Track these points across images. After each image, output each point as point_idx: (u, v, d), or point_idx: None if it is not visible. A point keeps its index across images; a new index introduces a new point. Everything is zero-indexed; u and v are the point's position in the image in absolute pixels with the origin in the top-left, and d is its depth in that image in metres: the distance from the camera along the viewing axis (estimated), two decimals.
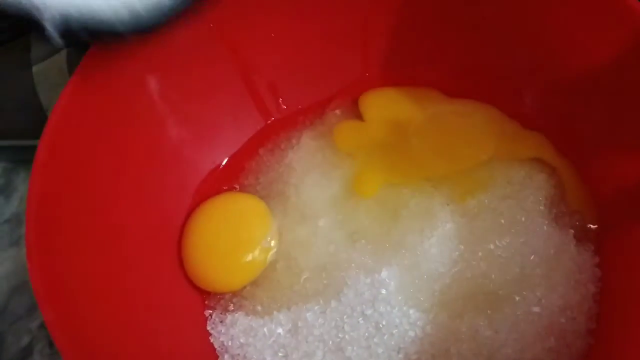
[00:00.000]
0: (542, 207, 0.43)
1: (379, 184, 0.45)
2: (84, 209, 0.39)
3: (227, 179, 0.47)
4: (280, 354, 0.41)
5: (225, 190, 0.47)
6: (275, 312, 0.42)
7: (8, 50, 0.58)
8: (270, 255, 0.44)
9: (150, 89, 0.42)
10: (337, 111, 0.49)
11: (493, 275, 0.41)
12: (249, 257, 0.43)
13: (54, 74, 0.56)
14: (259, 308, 0.43)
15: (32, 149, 0.53)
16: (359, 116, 0.49)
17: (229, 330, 0.42)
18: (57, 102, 0.37)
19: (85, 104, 0.39)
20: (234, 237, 0.44)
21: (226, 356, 0.42)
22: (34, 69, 0.57)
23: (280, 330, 0.42)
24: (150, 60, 0.41)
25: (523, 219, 0.42)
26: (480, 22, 0.45)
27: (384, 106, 0.49)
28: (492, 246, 0.42)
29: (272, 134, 0.49)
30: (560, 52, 0.43)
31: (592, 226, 0.43)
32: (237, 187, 0.47)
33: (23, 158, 0.54)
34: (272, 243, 0.44)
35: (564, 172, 0.45)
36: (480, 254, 0.42)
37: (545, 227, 0.42)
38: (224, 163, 0.48)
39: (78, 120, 0.38)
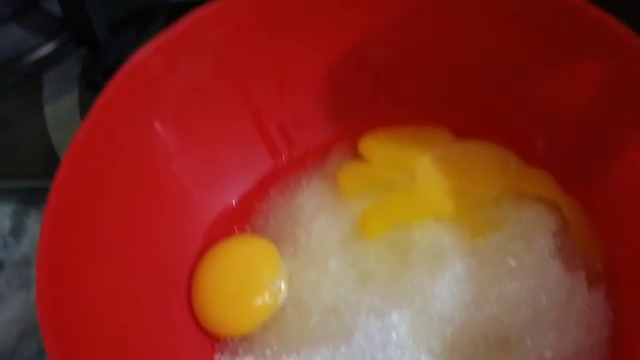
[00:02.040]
0: (552, 248, 0.43)
1: (385, 225, 0.45)
2: (94, 253, 0.39)
3: (238, 220, 0.48)
4: None
5: (236, 231, 0.47)
6: (284, 356, 0.42)
7: (21, 91, 0.58)
8: (280, 298, 0.43)
9: (159, 132, 0.43)
10: (345, 151, 0.49)
11: (505, 319, 0.41)
12: (259, 301, 0.43)
13: (65, 115, 0.57)
14: (268, 352, 0.43)
15: (44, 190, 0.53)
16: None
17: None
18: (69, 146, 0.37)
19: (96, 149, 0.39)
20: (244, 280, 0.44)
21: None
22: (46, 109, 0.57)
23: None
24: (160, 104, 0.42)
25: (534, 260, 0.42)
26: (488, 63, 0.45)
27: (389, 147, 0.49)
28: (503, 288, 0.41)
29: (282, 174, 0.49)
30: (565, 93, 0.44)
31: (601, 267, 0.42)
32: (248, 228, 0.47)
33: (34, 199, 0.54)
34: (282, 286, 0.44)
35: (570, 210, 0.45)
36: (491, 296, 0.41)
37: (556, 268, 0.42)
38: (234, 204, 0.48)
39: (89, 165, 0.39)
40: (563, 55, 0.42)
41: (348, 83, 0.48)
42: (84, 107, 0.57)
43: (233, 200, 0.48)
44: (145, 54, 0.41)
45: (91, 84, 0.59)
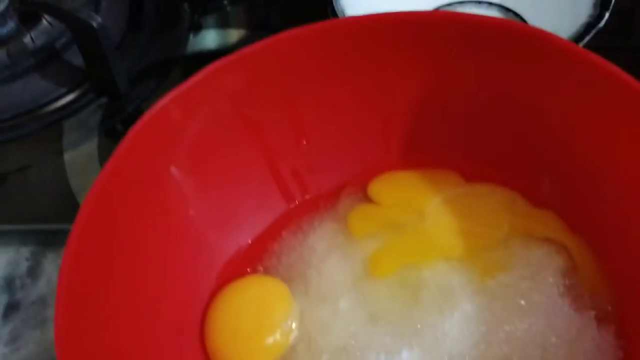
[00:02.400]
0: (561, 288, 0.43)
1: (395, 264, 0.46)
2: (110, 294, 0.40)
3: (251, 261, 0.48)
4: None
5: (249, 272, 0.48)
6: None
7: (41, 138, 0.60)
8: (291, 337, 0.44)
9: (176, 177, 0.44)
10: (357, 194, 0.50)
11: (514, 358, 0.41)
12: (270, 340, 0.44)
13: (85, 162, 0.59)
14: None
15: (62, 233, 0.55)
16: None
17: None
18: (89, 191, 0.38)
19: (115, 194, 0.40)
20: (256, 320, 0.44)
21: None
22: (66, 156, 0.59)
23: None
24: (177, 151, 0.44)
25: (543, 300, 0.43)
26: (500, 110, 0.47)
27: (399, 189, 0.51)
28: (512, 327, 0.42)
29: (295, 216, 0.50)
30: (576, 139, 0.45)
31: (610, 307, 0.43)
32: (261, 268, 0.48)
33: (52, 241, 0.56)
34: (293, 325, 0.44)
35: (577, 251, 0.45)
36: (501, 335, 0.42)
37: (565, 308, 0.42)
38: (248, 245, 0.49)
39: (108, 209, 0.40)
40: (577, 105, 0.44)
41: (360, 130, 0.49)
42: (103, 154, 0.59)
43: (246, 242, 0.49)
44: (164, 103, 0.42)
45: (111, 132, 0.61)
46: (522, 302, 0.43)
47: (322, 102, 0.48)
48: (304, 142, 0.49)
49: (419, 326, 0.43)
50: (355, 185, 0.50)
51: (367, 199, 0.50)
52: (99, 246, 0.39)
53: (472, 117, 0.48)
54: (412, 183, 0.50)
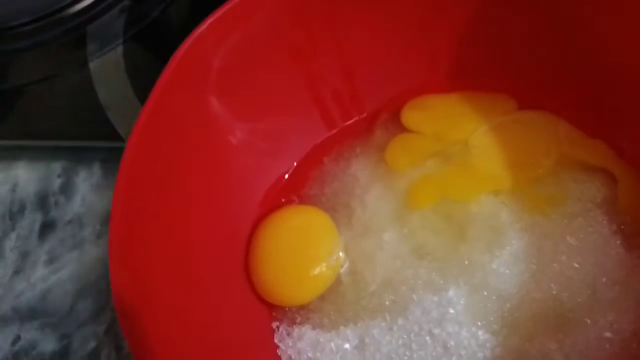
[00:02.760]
0: (613, 226, 0.42)
1: (432, 197, 0.45)
2: (159, 223, 0.40)
3: (293, 189, 0.48)
4: None
5: (292, 201, 0.47)
6: (342, 327, 0.42)
7: (63, 45, 0.58)
8: (339, 269, 0.44)
9: (215, 107, 0.43)
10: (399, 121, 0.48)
11: (564, 297, 0.41)
12: (317, 271, 0.43)
13: (111, 71, 0.56)
14: (326, 321, 0.43)
15: (93, 149, 0.54)
16: None
17: (296, 343, 0.43)
18: (133, 128, 0.37)
19: (157, 127, 0.39)
20: (302, 251, 0.44)
21: None
22: (91, 65, 0.56)
23: (347, 346, 0.42)
24: (216, 79, 0.42)
25: (594, 238, 0.42)
26: (553, 34, 0.44)
27: (439, 116, 0.49)
28: (562, 266, 0.41)
29: (336, 142, 0.49)
30: (633, 67, 0.42)
31: None
32: (303, 197, 0.47)
33: (83, 157, 0.54)
34: (340, 258, 0.44)
35: (629, 182, 0.44)
36: (550, 274, 0.41)
37: (616, 247, 0.42)
38: (289, 172, 0.48)
39: (153, 141, 0.39)
40: (633, 29, 0.41)
41: (405, 51, 0.47)
42: (129, 62, 0.57)
43: (288, 168, 0.48)
44: (200, 31, 0.40)
45: (136, 38, 0.58)
46: (573, 240, 0.42)
47: (366, 21, 0.45)
48: (346, 63, 0.47)
49: (466, 263, 0.42)
50: (400, 112, 0.48)
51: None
52: (147, 177, 0.39)
53: (524, 39, 0.46)
54: (454, 109, 0.48)
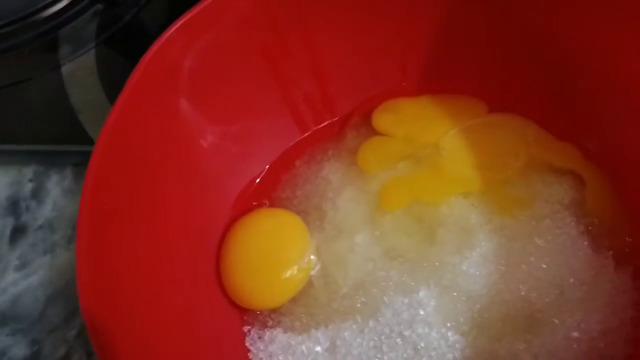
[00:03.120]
0: (581, 228, 0.43)
1: (404, 199, 0.45)
2: (128, 223, 0.40)
3: (265, 192, 0.48)
4: None
5: (263, 204, 0.47)
6: (313, 330, 0.43)
7: (36, 49, 0.57)
8: (311, 272, 0.44)
9: (186, 110, 0.43)
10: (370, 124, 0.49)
11: (532, 298, 0.41)
12: (288, 275, 0.43)
13: (83, 74, 0.56)
14: (297, 324, 0.43)
15: (64, 153, 0.53)
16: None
17: (268, 347, 0.43)
18: (102, 129, 0.37)
19: (127, 127, 0.39)
20: (273, 254, 0.44)
21: None
22: (63, 69, 0.56)
23: (318, 349, 0.42)
24: (185, 84, 0.42)
25: (562, 239, 0.42)
26: (523, 38, 0.45)
27: (409, 119, 0.49)
28: (531, 267, 0.42)
29: (309, 145, 0.49)
30: (603, 72, 0.43)
31: (628, 248, 0.43)
32: (275, 200, 0.47)
33: (55, 162, 0.54)
34: (312, 260, 0.44)
35: (596, 185, 0.45)
36: (519, 275, 0.42)
37: (584, 248, 0.42)
38: (261, 175, 0.48)
39: (121, 143, 0.39)
40: (604, 34, 0.42)
41: (377, 54, 0.47)
42: (102, 66, 0.56)
43: (260, 171, 0.48)
44: (169, 34, 0.40)
45: (108, 42, 0.58)
46: (541, 241, 0.42)
47: (337, 23, 0.45)
48: (318, 66, 0.47)
49: (436, 265, 0.43)
50: (371, 115, 0.48)
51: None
52: (115, 180, 0.39)
53: (494, 44, 0.46)
54: (424, 112, 0.49)
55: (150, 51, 0.39)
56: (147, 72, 0.39)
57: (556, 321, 0.40)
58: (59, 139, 0.54)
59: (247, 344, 0.44)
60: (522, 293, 0.41)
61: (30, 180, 0.54)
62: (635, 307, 0.41)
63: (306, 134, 0.49)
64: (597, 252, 0.42)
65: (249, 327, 0.44)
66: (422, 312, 0.41)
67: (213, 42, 0.42)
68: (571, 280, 0.41)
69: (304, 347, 0.42)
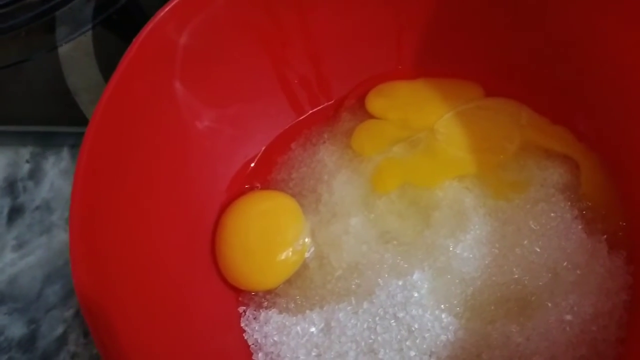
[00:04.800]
0: (575, 212, 0.43)
1: (396, 181, 0.45)
2: (123, 205, 0.40)
3: (260, 174, 0.48)
4: (313, 354, 0.42)
5: (258, 186, 0.47)
6: (308, 311, 0.43)
7: (33, 30, 0.57)
8: (306, 254, 0.44)
9: (180, 92, 0.42)
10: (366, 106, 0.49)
11: (525, 281, 0.41)
12: (283, 257, 0.44)
13: (80, 56, 0.56)
14: (292, 306, 0.44)
15: (61, 134, 0.53)
16: None
17: (263, 327, 0.43)
18: (94, 111, 0.37)
19: (121, 109, 0.39)
20: (269, 237, 0.44)
21: (260, 354, 0.43)
22: (60, 51, 0.56)
23: (313, 329, 0.42)
24: (178, 66, 0.42)
25: (556, 223, 0.42)
26: (520, 21, 0.45)
27: (403, 102, 0.49)
28: (524, 251, 0.42)
29: (304, 128, 0.49)
30: (598, 54, 0.43)
31: (622, 232, 0.43)
32: (270, 183, 0.47)
33: (52, 142, 0.54)
34: (307, 242, 0.44)
35: (590, 168, 0.45)
36: (512, 258, 0.42)
37: (578, 232, 0.42)
38: (256, 158, 0.48)
39: (115, 124, 0.39)
40: (596, 16, 0.42)
41: (373, 36, 0.47)
42: (99, 47, 0.56)
43: (255, 154, 0.48)
44: (160, 17, 0.40)
45: (105, 24, 0.57)
46: (535, 225, 0.42)
47: (333, 4, 0.45)
48: (313, 47, 0.47)
49: (430, 247, 0.43)
50: (364, 98, 0.48)
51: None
52: (109, 160, 0.38)
53: (489, 27, 0.46)
54: (419, 95, 0.49)
55: (145, 30, 0.39)
56: (141, 51, 0.39)
57: (549, 304, 0.40)
58: (56, 120, 0.54)
59: (242, 325, 0.44)
60: (516, 276, 0.41)
61: (27, 161, 0.54)
62: (628, 290, 0.41)
63: (302, 117, 0.49)
64: (591, 236, 0.42)
65: (244, 307, 0.44)
66: (416, 294, 0.41)
67: (208, 22, 0.42)
68: (565, 263, 0.41)
69: (298, 328, 0.42)
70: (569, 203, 0.43)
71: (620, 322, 0.40)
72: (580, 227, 0.42)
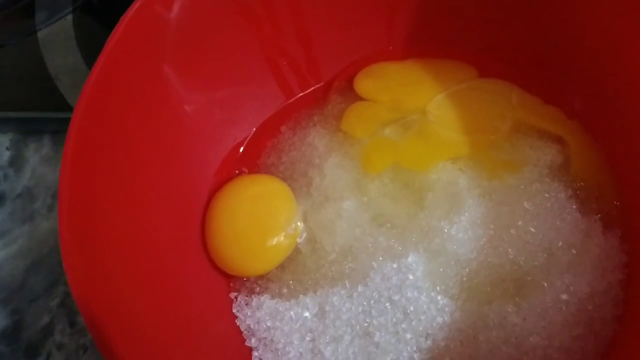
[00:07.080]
0: (569, 191, 0.43)
1: (388, 160, 0.45)
2: (111, 191, 0.39)
3: (249, 158, 0.47)
4: (307, 339, 0.41)
5: (248, 170, 0.46)
6: (301, 296, 0.42)
7: (10, 16, 0.56)
8: (298, 239, 0.43)
9: (168, 75, 0.41)
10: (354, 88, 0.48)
11: (521, 261, 0.41)
12: (275, 242, 0.43)
13: (60, 40, 0.54)
14: (285, 291, 0.43)
15: (42, 120, 0.52)
16: None
17: (255, 313, 0.42)
18: (80, 95, 0.36)
19: (108, 92, 0.38)
20: (260, 221, 0.44)
21: (253, 340, 0.42)
22: (39, 35, 0.55)
23: (307, 314, 0.42)
24: (166, 48, 0.41)
25: (550, 204, 0.42)
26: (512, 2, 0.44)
27: (393, 83, 0.48)
28: (519, 231, 0.42)
29: (294, 111, 0.48)
30: (588, 34, 0.43)
31: (616, 211, 0.43)
32: (260, 166, 0.47)
33: (32, 129, 0.53)
34: (299, 227, 0.43)
35: (582, 147, 0.44)
36: (507, 239, 0.42)
37: (572, 212, 0.42)
38: (246, 141, 0.47)
39: (102, 108, 0.38)
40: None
41: (363, 17, 0.47)
42: (79, 32, 0.55)
43: (244, 137, 0.47)
44: None
45: (85, 7, 0.56)
46: (530, 205, 0.42)
47: None
48: (303, 27, 0.46)
49: (425, 229, 0.42)
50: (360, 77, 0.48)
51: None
52: (97, 144, 0.37)
53: (483, 7, 0.46)
54: (410, 76, 0.48)
55: (132, 8, 0.38)
56: (128, 31, 0.38)
57: (545, 284, 0.40)
58: (37, 105, 0.53)
59: (234, 311, 0.43)
60: (511, 257, 0.41)
61: (8, 149, 0.53)
62: (623, 269, 0.41)
63: (291, 100, 0.48)
64: (586, 215, 0.42)
65: (236, 293, 0.44)
66: (411, 277, 0.41)
67: (194, 3, 0.41)
68: (560, 243, 0.41)
69: (292, 313, 0.42)
70: (563, 183, 0.43)
71: (616, 300, 0.40)
72: (574, 206, 0.42)
